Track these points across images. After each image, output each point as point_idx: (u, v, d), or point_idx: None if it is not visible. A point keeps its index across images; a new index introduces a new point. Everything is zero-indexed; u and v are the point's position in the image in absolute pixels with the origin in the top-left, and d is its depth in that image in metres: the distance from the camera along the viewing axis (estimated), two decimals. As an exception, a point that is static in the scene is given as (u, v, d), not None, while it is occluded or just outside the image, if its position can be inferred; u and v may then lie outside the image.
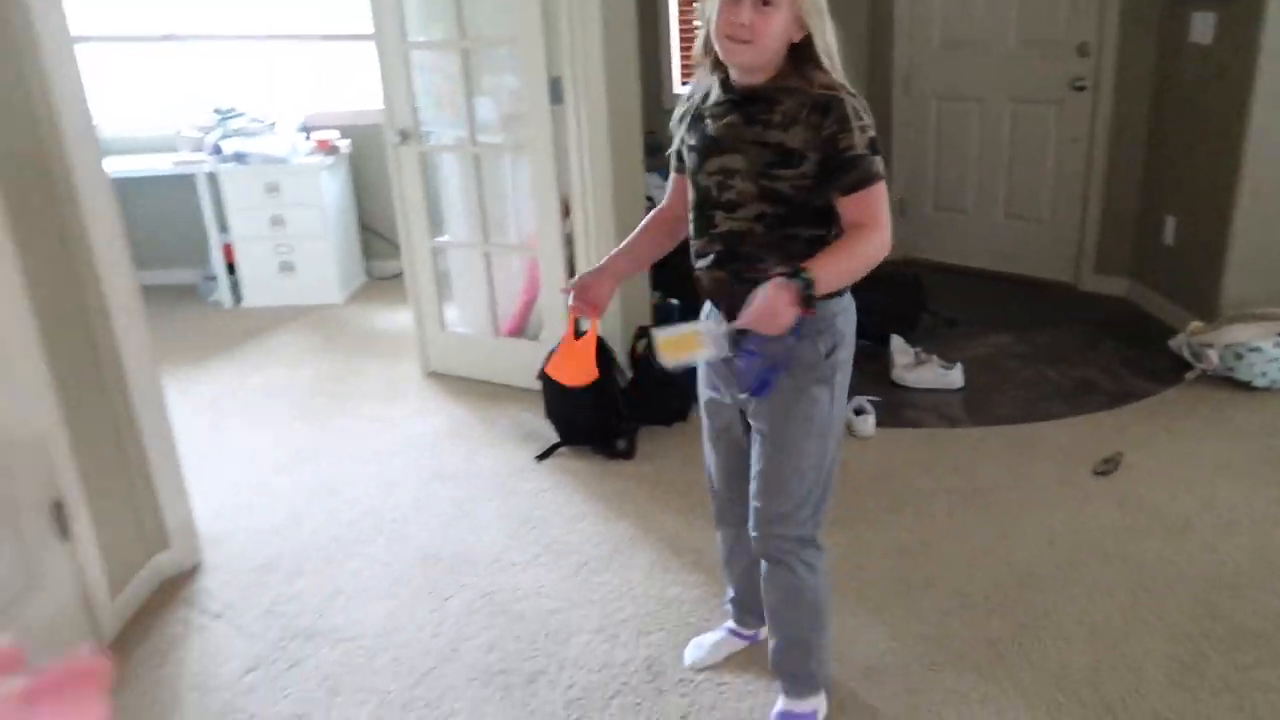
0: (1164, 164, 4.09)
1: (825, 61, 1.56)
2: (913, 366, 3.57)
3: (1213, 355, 3.40)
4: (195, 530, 2.65)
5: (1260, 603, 2.25)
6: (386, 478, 3.07)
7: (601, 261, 1.89)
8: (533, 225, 3.58)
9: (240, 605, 2.43)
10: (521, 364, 3.54)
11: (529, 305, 3.83)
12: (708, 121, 1.66)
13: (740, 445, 1.88)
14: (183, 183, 4.98)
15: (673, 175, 1.85)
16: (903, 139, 5.05)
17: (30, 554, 2.08)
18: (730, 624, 2.18)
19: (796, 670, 1.92)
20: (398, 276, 5.28)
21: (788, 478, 1.74)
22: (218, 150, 4.91)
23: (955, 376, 3.50)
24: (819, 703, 1.94)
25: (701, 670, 2.11)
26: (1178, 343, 3.61)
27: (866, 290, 4.04)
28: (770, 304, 1.47)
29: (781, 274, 1.50)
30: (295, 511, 2.88)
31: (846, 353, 1.74)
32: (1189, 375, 3.47)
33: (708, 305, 1.80)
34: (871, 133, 1.56)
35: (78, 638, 2.22)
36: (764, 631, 2.11)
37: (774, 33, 1.52)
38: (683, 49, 5.30)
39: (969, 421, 3.27)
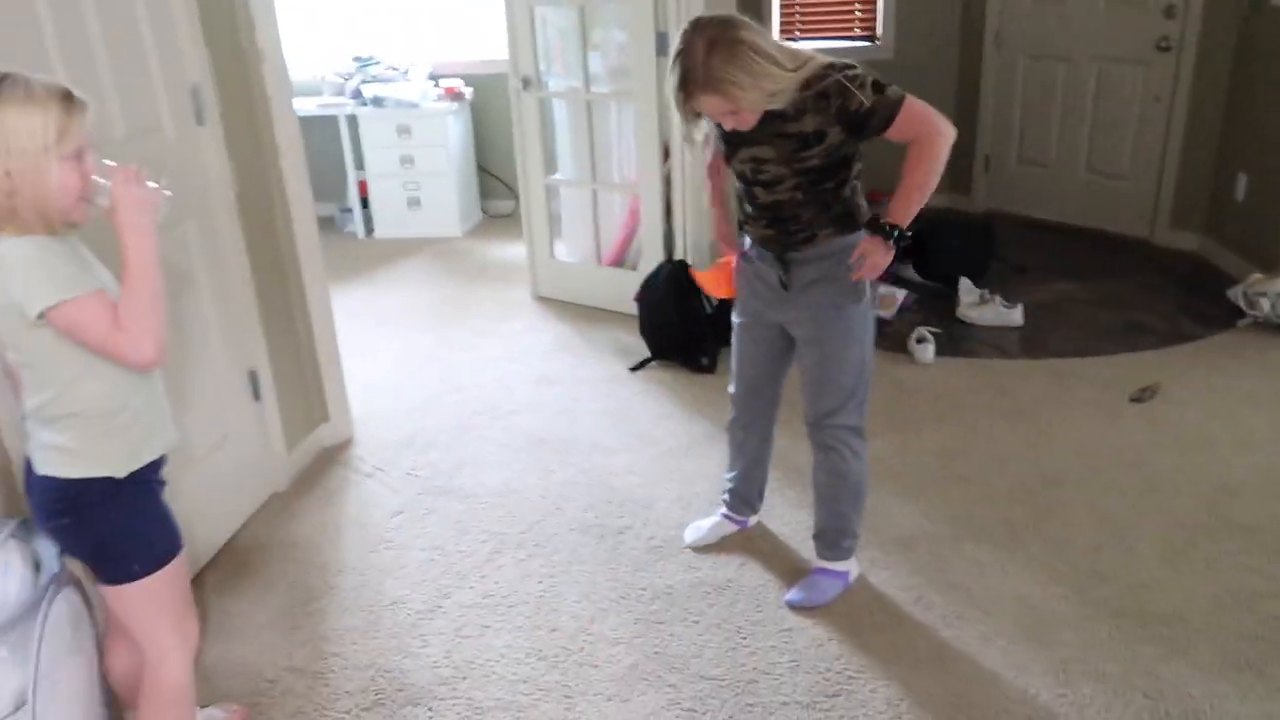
0: (1241, 124, 4.25)
1: (789, 68, 1.82)
2: (976, 305, 3.88)
3: (1264, 303, 3.62)
4: (350, 408, 3.21)
5: (1259, 506, 2.57)
6: (501, 380, 3.58)
7: (721, 217, 2.35)
8: (635, 167, 4.01)
9: (386, 468, 2.98)
10: (620, 290, 4.00)
11: (629, 238, 4.27)
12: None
13: (771, 360, 2.26)
14: (326, 123, 5.58)
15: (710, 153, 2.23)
16: (990, 95, 5.27)
17: (230, 411, 2.65)
18: (724, 510, 2.57)
19: (835, 540, 2.30)
20: (509, 215, 5.82)
21: (834, 379, 2.12)
22: (358, 94, 5.49)
23: (1015, 315, 3.81)
24: (850, 565, 2.34)
25: (699, 549, 2.50)
26: (1235, 292, 3.82)
27: (940, 235, 4.34)
28: (872, 260, 1.90)
29: (873, 225, 1.91)
30: (425, 402, 3.42)
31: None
32: (1241, 322, 3.70)
33: (752, 244, 2.16)
34: (869, 79, 1.84)
35: (259, 483, 2.80)
36: (753, 520, 2.57)
37: (756, 113, 1.86)
38: (783, 8, 5.60)
39: (1022, 355, 3.59)
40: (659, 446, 3.03)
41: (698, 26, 1.81)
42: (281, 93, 2.81)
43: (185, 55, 2.41)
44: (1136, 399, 3.17)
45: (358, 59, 5.67)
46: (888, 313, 3.86)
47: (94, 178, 1.42)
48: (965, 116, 5.41)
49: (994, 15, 5.16)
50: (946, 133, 1.86)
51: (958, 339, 3.73)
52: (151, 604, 1.57)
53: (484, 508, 2.74)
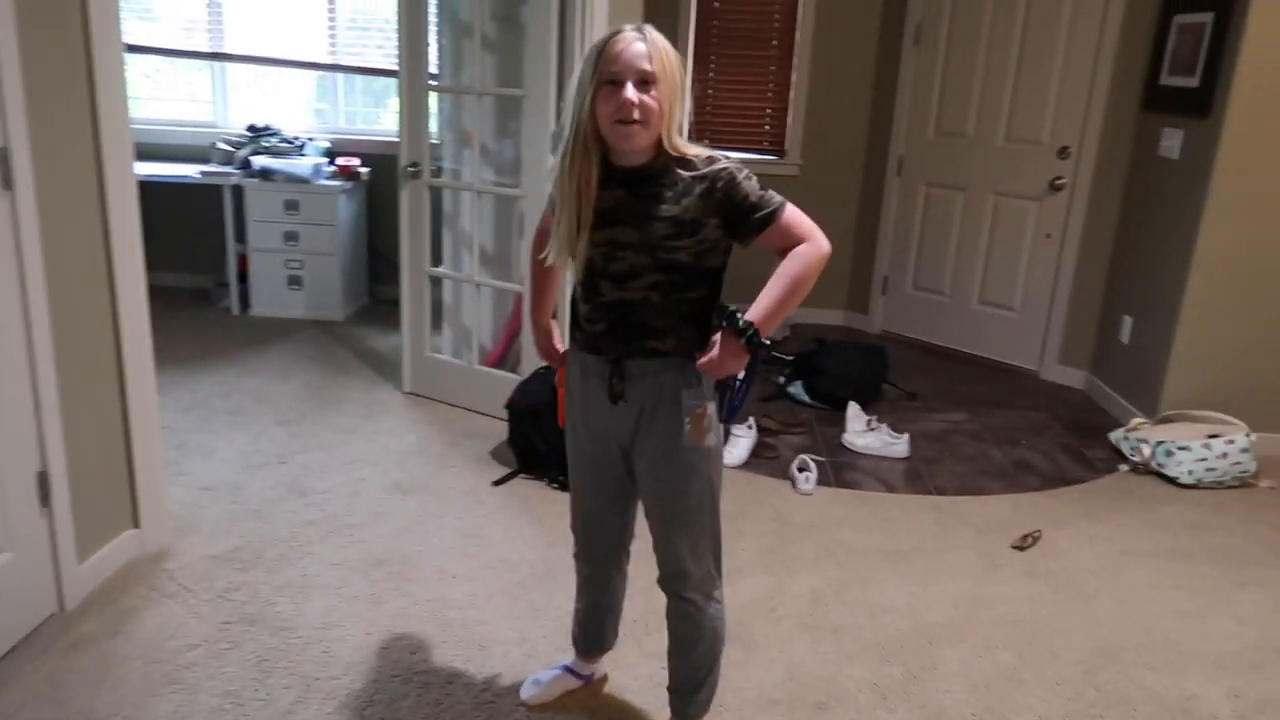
0: (1127, 266, 4.30)
1: (679, 136, 1.71)
2: (863, 433, 3.75)
3: (1146, 450, 3.57)
4: (166, 514, 2.85)
5: (1134, 675, 2.42)
6: (351, 486, 3.27)
7: (539, 324, 2.08)
8: (526, 265, 3.81)
9: (195, 588, 2.63)
10: (497, 393, 3.75)
11: (512, 339, 4.05)
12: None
13: (614, 484, 1.95)
14: (210, 192, 5.28)
15: (548, 213, 1.90)
16: (890, 219, 5.29)
17: (9, 519, 2.29)
18: (568, 661, 2.29)
19: (690, 694, 2.05)
20: (398, 302, 5.54)
21: (678, 517, 1.87)
22: (247, 165, 5.22)
23: (901, 446, 3.69)
24: (704, 730, 2.09)
25: (537, 706, 2.21)
26: (1117, 436, 3.79)
27: (832, 355, 4.25)
28: (722, 356, 1.72)
29: (726, 322, 1.71)
30: (262, 508, 3.08)
31: (709, 391, 1.83)
32: (1123, 467, 3.65)
33: (587, 357, 1.85)
34: (755, 179, 1.72)
35: (38, 601, 2.42)
36: (599, 672, 2.30)
37: (661, 111, 1.65)
38: (696, 115, 5.57)
39: (906, 489, 3.45)
40: (509, 576, 2.76)
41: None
42: (118, 157, 2.53)
43: (-9, 115, 2.14)
44: (1018, 546, 3.03)
45: (252, 128, 5.42)
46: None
47: None
48: (866, 237, 5.43)
49: (898, 142, 5.21)
50: (825, 247, 1.73)
51: (841, 468, 3.58)
52: None
53: (298, 643, 2.41)
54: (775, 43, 5.43)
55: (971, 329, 5.04)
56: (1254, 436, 3.50)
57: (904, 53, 5.13)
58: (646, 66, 1.64)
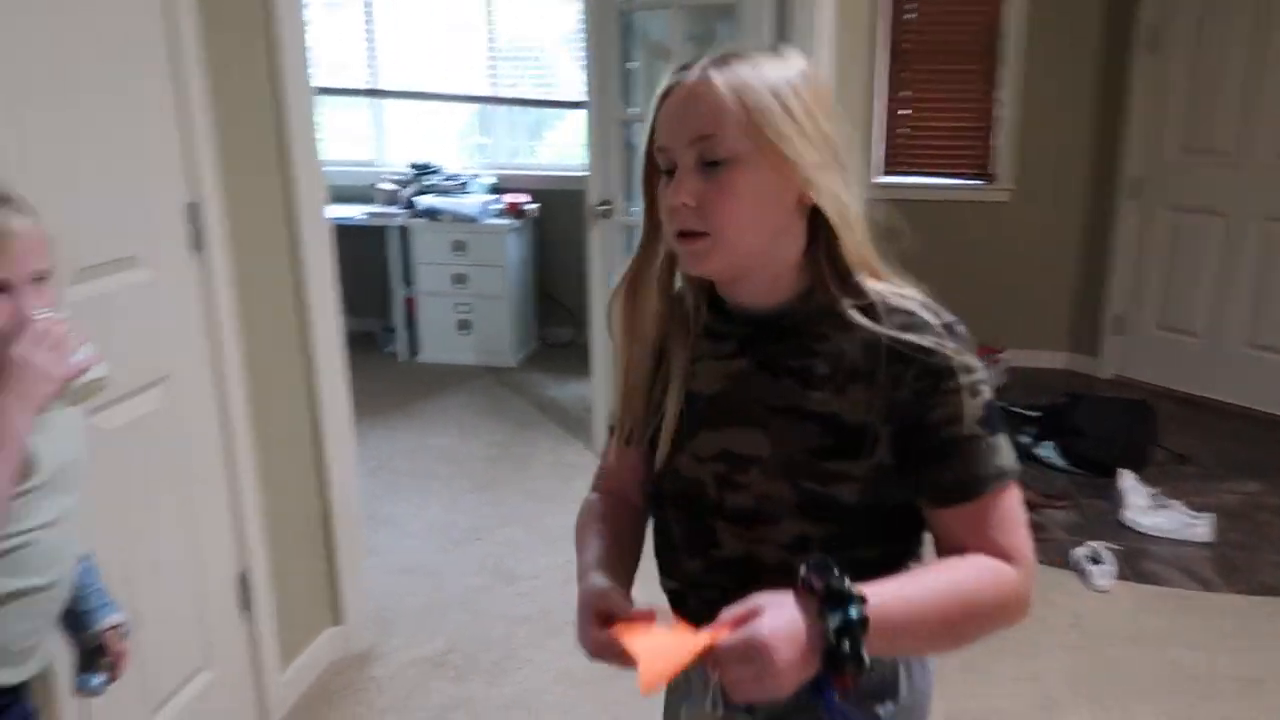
0: None
1: (857, 254, 0.93)
2: (1149, 510, 3.13)
3: None
4: (369, 609, 2.50)
5: None
6: (562, 569, 2.86)
7: (594, 586, 1.00)
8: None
9: (408, 706, 2.24)
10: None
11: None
12: (698, 365, 1.00)
13: None
14: (374, 233, 5.05)
15: (614, 445, 1.09)
16: (1124, 249, 4.63)
17: (208, 632, 1.95)
18: None
19: None
20: (567, 345, 5.20)
21: None
22: (411, 205, 4.97)
23: (1203, 528, 3.05)
24: None
25: None
26: None
27: (1093, 414, 3.60)
28: (753, 662, 0.78)
29: (813, 574, 0.82)
30: (467, 597, 2.70)
31: None
32: None
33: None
34: (987, 393, 0.91)
35: (243, 713, 2.08)
36: None
37: (745, 213, 0.90)
38: (889, 138, 5.06)
39: (1225, 586, 2.81)
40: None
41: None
42: (311, 200, 2.22)
43: (183, 165, 1.81)
44: None
45: (415, 166, 5.18)
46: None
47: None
48: (1092, 270, 4.77)
49: (1131, 162, 4.55)
50: (1030, 590, 0.92)
51: (1131, 555, 2.97)
52: None
53: (540, 787, 1.99)
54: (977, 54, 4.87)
55: (1236, 375, 4.31)
56: None
57: (1135, 60, 4.49)
58: (704, 126, 0.89)
